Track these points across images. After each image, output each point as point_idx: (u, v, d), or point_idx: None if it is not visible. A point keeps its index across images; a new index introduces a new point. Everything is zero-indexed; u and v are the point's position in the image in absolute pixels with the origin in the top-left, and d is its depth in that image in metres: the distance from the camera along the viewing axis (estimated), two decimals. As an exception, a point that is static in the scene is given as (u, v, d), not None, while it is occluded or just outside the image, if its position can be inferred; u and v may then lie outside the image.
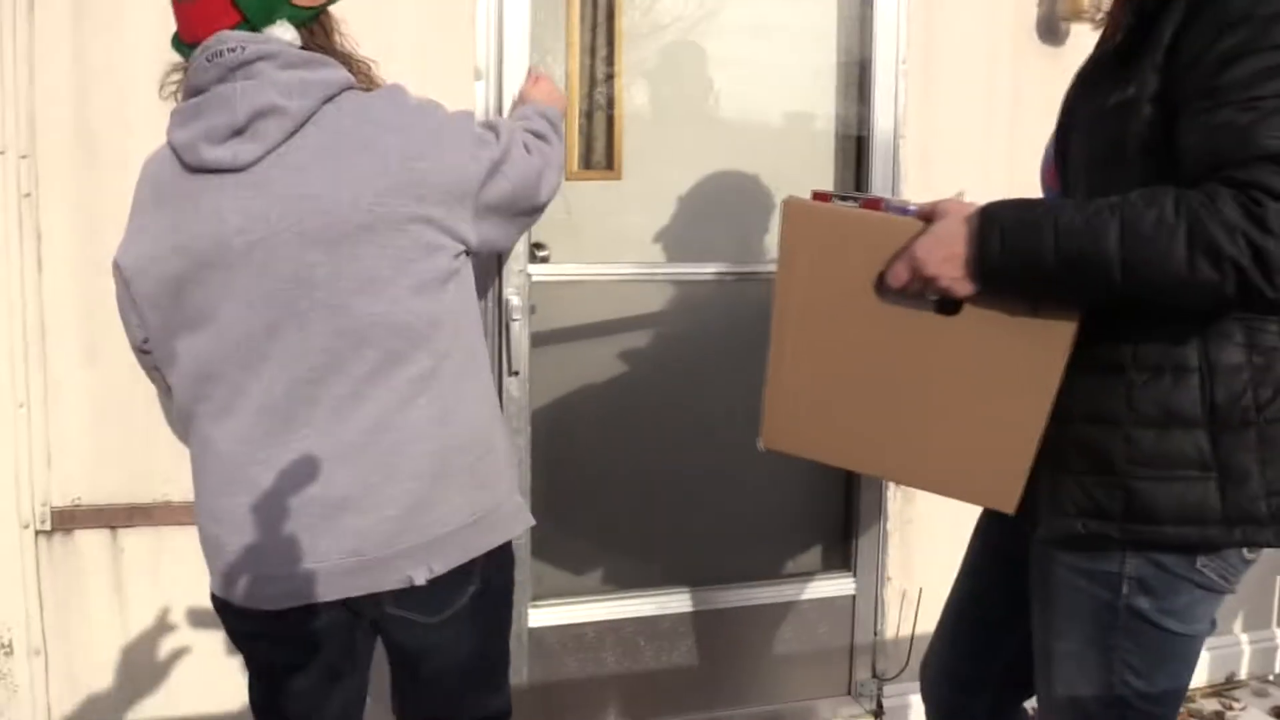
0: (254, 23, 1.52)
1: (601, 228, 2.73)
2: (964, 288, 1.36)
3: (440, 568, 1.56)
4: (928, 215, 1.40)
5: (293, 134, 1.48)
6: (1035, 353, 1.39)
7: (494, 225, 1.64)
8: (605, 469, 2.75)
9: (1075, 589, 1.45)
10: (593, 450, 2.76)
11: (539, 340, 2.60)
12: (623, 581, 2.80)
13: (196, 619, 2.41)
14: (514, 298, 2.45)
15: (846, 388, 1.51)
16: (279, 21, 1.54)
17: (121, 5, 2.16)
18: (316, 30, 1.60)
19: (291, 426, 1.50)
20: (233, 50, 1.48)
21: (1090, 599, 1.44)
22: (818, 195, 1.53)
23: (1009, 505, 1.48)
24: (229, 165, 1.47)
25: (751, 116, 2.85)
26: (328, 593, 1.53)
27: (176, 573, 2.36)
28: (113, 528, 2.34)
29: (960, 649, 1.77)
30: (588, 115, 2.78)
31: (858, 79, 2.83)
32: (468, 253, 1.62)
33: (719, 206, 2.81)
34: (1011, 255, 1.31)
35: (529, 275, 2.49)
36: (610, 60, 2.78)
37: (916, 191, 2.76)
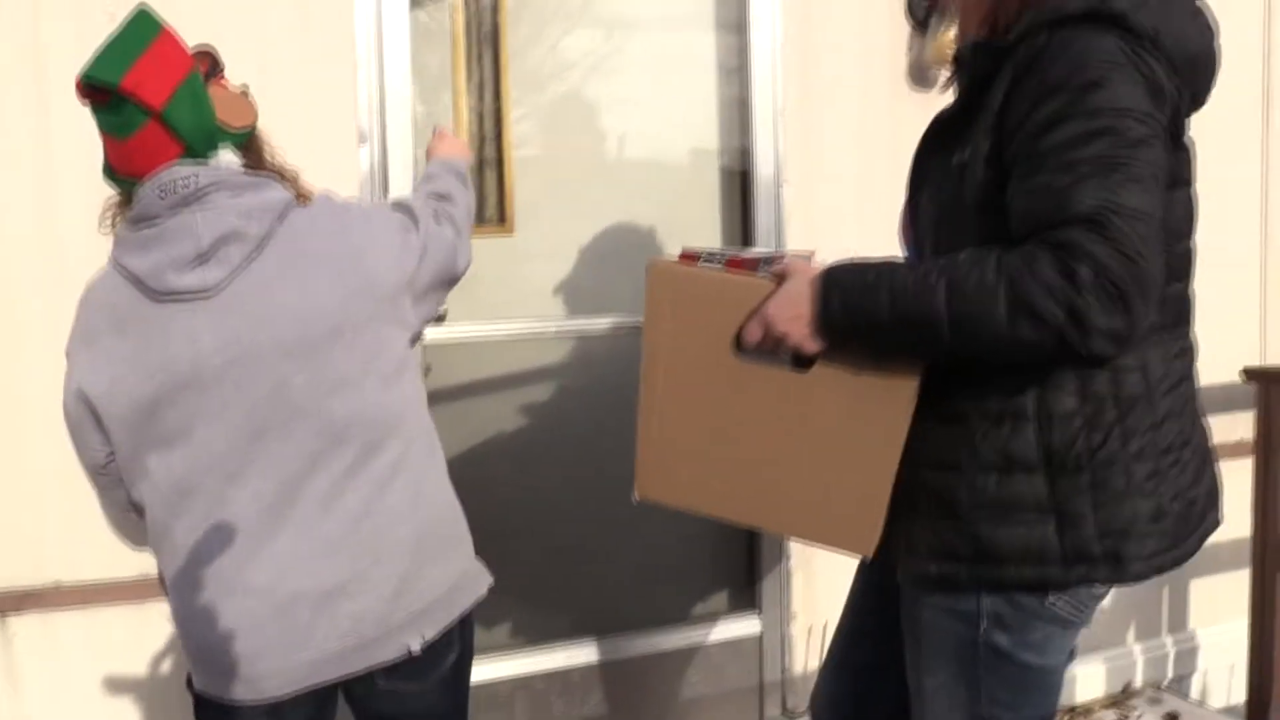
0: (196, 152, 1.57)
1: (497, 284, 2.77)
2: (811, 345, 1.43)
3: (431, 633, 1.66)
4: (779, 275, 1.46)
5: (252, 255, 1.55)
6: (882, 406, 1.46)
7: (427, 304, 1.73)
8: (508, 525, 2.76)
9: (939, 627, 1.51)
10: (496, 507, 2.77)
11: (435, 400, 2.61)
12: (532, 635, 2.81)
13: (94, 703, 2.36)
14: (407, 360, 2.46)
15: (712, 440, 1.58)
16: (220, 147, 1.61)
17: None
18: (251, 149, 1.67)
19: (278, 527, 1.57)
20: (186, 184, 1.53)
21: (953, 636, 1.49)
22: (685, 255, 1.59)
23: (867, 550, 1.55)
24: (198, 290, 1.53)
25: (642, 159, 2.91)
26: (328, 674, 1.60)
27: (72, 658, 2.32)
28: (3, 613, 2.29)
29: (844, 684, 1.82)
30: (478, 169, 2.82)
31: (739, 122, 2.92)
32: (414, 339, 1.72)
33: (612, 256, 2.86)
34: (850, 315, 1.38)
35: (422, 338, 2.50)
36: (498, 110, 2.83)
37: (800, 234, 2.85)
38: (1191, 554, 1.48)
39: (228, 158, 1.61)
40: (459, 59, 2.73)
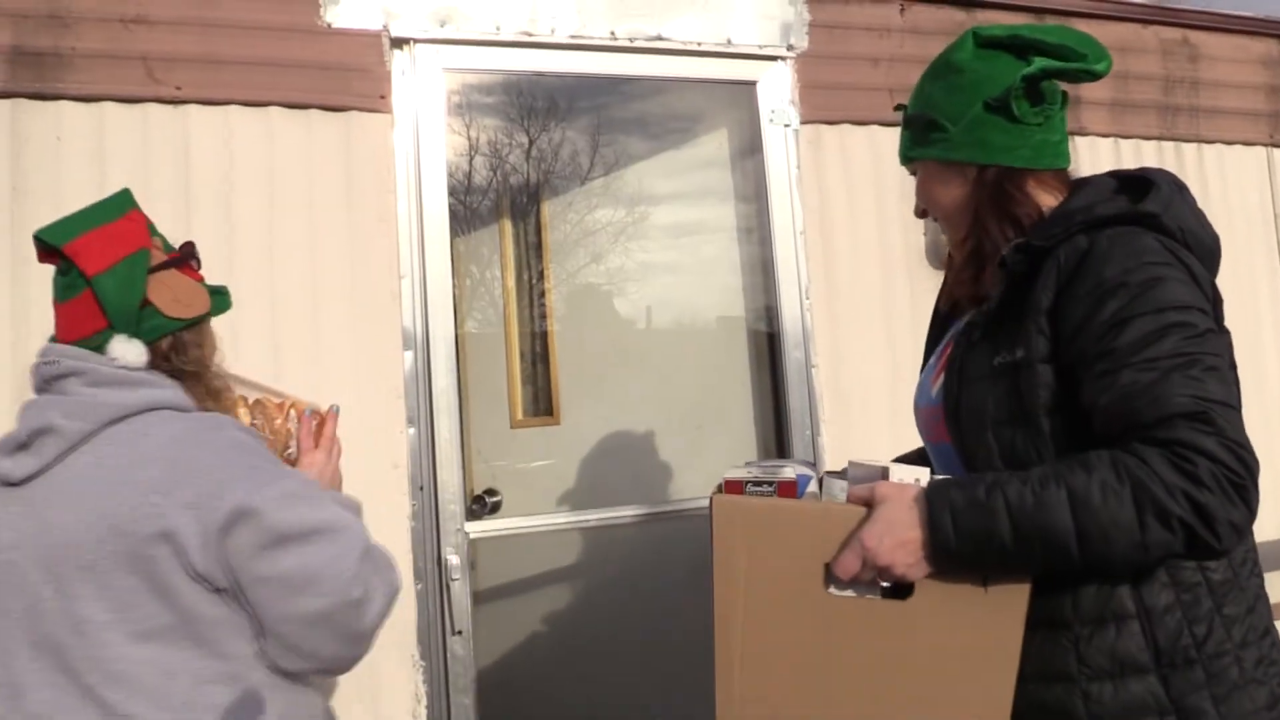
0: (116, 329, 1.52)
1: (546, 473, 2.82)
2: (919, 571, 1.36)
3: None
4: (865, 500, 1.40)
5: (66, 454, 1.47)
6: (993, 622, 1.38)
7: (265, 590, 1.45)
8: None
9: None
10: (541, 703, 2.73)
11: (482, 597, 2.62)
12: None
13: None
14: (452, 557, 2.50)
15: (806, 686, 1.45)
16: (130, 335, 1.53)
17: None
18: (176, 344, 1.59)
19: None
20: (49, 364, 1.52)
21: None
22: (729, 484, 1.51)
23: None
24: (5, 478, 1.49)
25: (673, 340, 3.01)
26: None
27: None
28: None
29: None
30: (530, 364, 2.92)
31: (764, 312, 3.02)
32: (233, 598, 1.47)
33: (650, 438, 2.92)
34: (968, 538, 1.32)
35: (466, 534, 2.55)
36: (544, 310, 2.95)
37: (833, 416, 2.90)
38: None
39: (128, 348, 1.52)
40: (508, 272, 2.86)
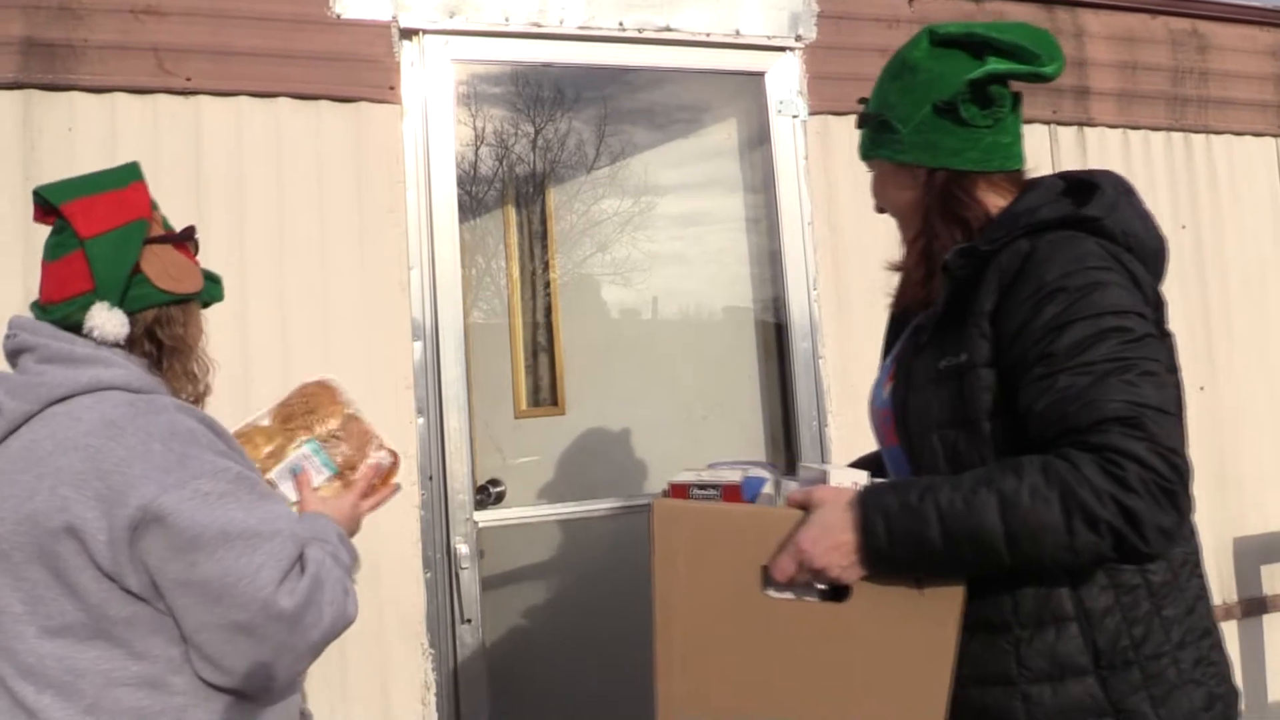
0: (101, 294, 1.48)
1: (550, 464, 2.84)
2: (853, 574, 1.37)
3: None
4: (803, 503, 1.40)
5: (8, 435, 1.43)
6: (928, 624, 1.39)
7: (182, 597, 1.37)
8: (567, 714, 2.74)
9: None
10: (550, 690, 2.75)
11: (490, 585, 2.64)
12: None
13: None
14: (461, 546, 2.51)
15: (742, 691, 1.45)
16: (112, 303, 1.48)
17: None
18: (162, 318, 1.54)
19: None
20: (8, 337, 1.49)
21: None
22: (675, 488, 1.51)
23: None
24: None
25: (680, 329, 3.02)
26: None
27: None
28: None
29: None
30: (533, 354, 2.93)
31: (772, 303, 3.03)
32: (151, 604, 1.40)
33: (655, 429, 2.93)
34: (900, 541, 1.33)
35: (475, 523, 2.56)
36: (549, 300, 2.95)
37: (840, 408, 2.91)
38: None
39: (107, 318, 1.47)
40: (513, 262, 2.87)
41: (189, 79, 2.40)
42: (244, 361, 2.37)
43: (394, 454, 1.76)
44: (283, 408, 1.79)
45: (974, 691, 1.42)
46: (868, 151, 1.63)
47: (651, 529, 1.49)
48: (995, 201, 1.51)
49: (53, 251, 1.52)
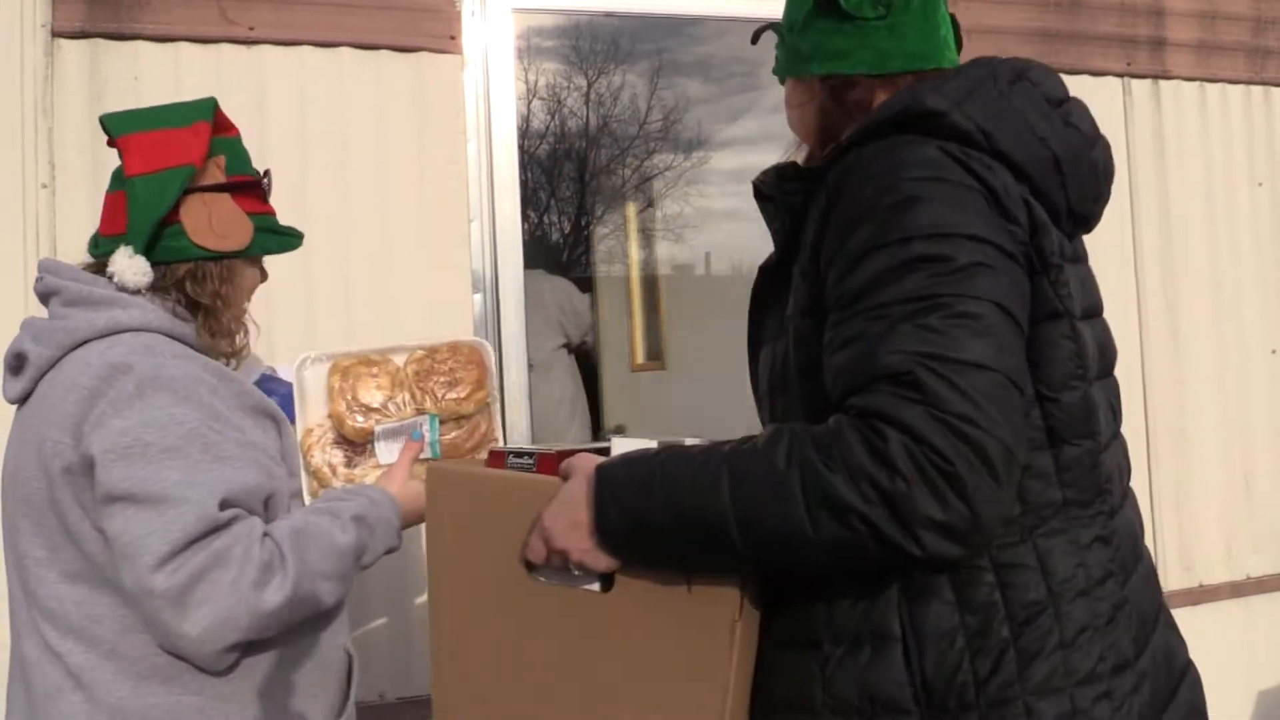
0: (130, 238, 1.44)
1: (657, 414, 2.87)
2: (597, 560, 1.10)
3: None
4: (565, 473, 1.15)
5: (38, 380, 1.42)
6: (698, 631, 1.09)
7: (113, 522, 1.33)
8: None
9: None
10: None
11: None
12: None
13: None
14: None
15: (512, 681, 1.24)
16: (136, 250, 1.42)
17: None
18: (197, 272, 1.48)
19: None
20: (39, 279, 1.47)
21: None
22: (493, 455, 1.30)
23: None
24: (8, 398, 1.47)
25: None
26: None
27: None
28: None
29: None
30: (645, 313, 2.96)
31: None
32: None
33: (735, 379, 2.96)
34: (628, 523, 1.06)
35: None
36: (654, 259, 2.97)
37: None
38: None
39: (129, 265, 1.42)
40: (630, 223, 2.90)
41: (252, 28, 2.39)
42: (307, 310, 2.38)
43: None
44: (426, 360, 1.70)
45: (783, 718, 1.13)
46: (773, 71, 1.34)
47: (426, 496, 1.34)
48: None
49: (112, 183, 1.52)
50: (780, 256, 1.22)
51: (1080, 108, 1.22)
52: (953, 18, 1.29)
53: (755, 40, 1.37)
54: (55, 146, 2.22)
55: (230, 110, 2.35)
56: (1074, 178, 1.16)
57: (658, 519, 1.04)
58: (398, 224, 2.47)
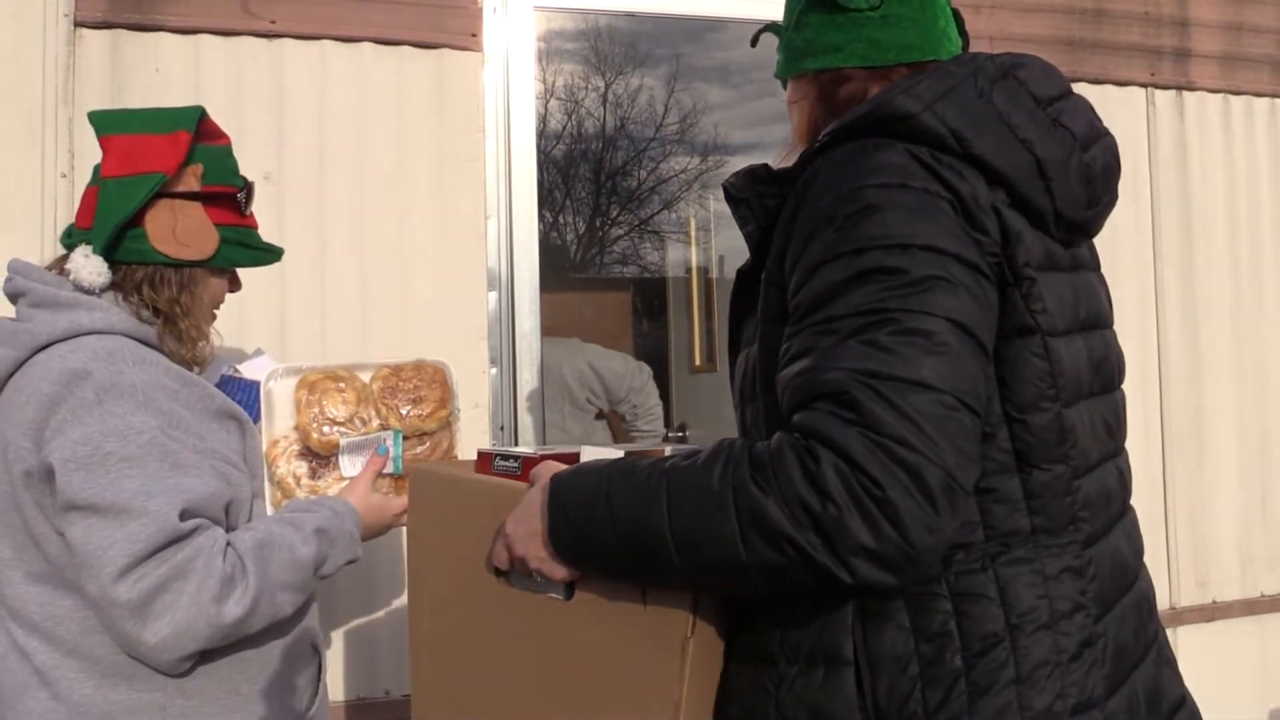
0: (90, 238, 1.45)
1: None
2: (554, 569, 1.09)
3: None
4: (532, 480, 1.15)
5: (4, 382, 1.42)
6: (653, 646, 1.08)
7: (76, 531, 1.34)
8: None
9: None
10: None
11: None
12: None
13: None
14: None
15: (487, 683, 1.25)
16: (96, 250, 1.44)
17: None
18: (155, 278, 1.49)
19: None
20: (8, 280, 1.48)
21: None
22: (481, 456, 1.30)
23: None
24: None
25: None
26: None
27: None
28: None
29: None
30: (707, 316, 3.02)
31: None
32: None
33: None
34: (574, 533, 1.06)
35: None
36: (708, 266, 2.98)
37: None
38: None
39: (86, 266, 1.44)
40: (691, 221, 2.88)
41: (273, 21, 2.39)
42: (321, 306, 2.38)
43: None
44: (392, 377, 1.75)
45: None
46: (775, 75, 1.31)
47: (409, 497, 1.36)
48: None
49: (91, 177, 1.53)
50: (754, 261, 1.19)
51: (1076, 106, 1.16)
52: (956, 12, 1.26)
53: (754, 43, 1.35)
54: (76, 136, 2.22)
55: (250, 103, 2.37)
56: (1060, 182, 1.10)
57: (602, 534, 1.03)
58: (415, 220, 2.47)
